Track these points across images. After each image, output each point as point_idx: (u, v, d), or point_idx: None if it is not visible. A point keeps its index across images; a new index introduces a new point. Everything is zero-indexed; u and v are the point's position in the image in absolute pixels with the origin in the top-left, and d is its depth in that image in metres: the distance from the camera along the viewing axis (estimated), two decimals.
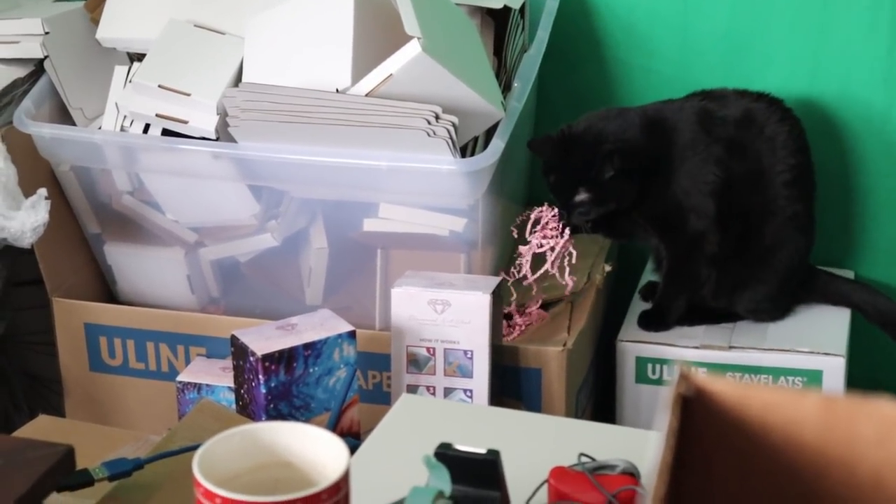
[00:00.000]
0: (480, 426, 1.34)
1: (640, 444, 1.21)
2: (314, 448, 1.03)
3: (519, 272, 1.76)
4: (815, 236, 1.80)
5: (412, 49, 1.60)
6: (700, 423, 0.65)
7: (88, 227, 1.85)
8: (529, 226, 1.76)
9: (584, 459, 1.18)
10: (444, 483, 1.04)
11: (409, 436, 1.32)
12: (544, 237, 1.75)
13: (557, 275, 1.74)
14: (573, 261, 1.74)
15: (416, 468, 1.08)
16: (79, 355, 1.81)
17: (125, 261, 1.85)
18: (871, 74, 1.84)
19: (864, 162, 1.89)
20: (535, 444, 1.26)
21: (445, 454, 1.07)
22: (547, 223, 1.76)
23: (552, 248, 1.74)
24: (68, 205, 1.83)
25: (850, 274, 1.91)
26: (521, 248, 1.76)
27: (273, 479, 1.04)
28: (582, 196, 1.70)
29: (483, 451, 1.08)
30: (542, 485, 1.17)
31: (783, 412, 0.66)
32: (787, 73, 1.88)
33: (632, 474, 1.16)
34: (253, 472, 1.05)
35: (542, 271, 1.74)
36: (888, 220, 1.90)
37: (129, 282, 1.86)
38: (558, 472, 1.16)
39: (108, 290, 1.89)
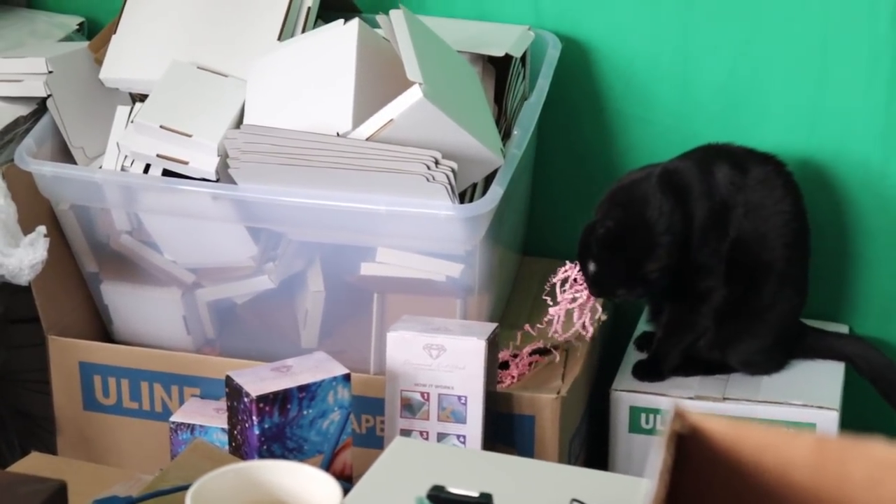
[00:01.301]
0: (473, 470, 1.34)
1: (632, 491, 1.21)
2: (307, 487, 1.03)
3: (549, 328, 1.75)
4: (808, 294, 1.82)
5: (413, 95, 1.61)
6: (694, 460, 0.65)
7: (86, 265, 1.85)
8: (558, 285, 1.75)
9: None
10: None
11: (401, 478, 1.32)
12: (575, 294, 1.75)
13: (584, 332, 1.74)
14: (598, 316, 1.74)
15: None
16: (73, 394, 1.81)
17: (122, 300, 1.85)
18: (869, 130, 1.85)
19: (861, 217, 1.89)
20: (528, 489, 1.26)
21: (438, 496, 1.07)
22: (575, 279, 1.75)
23: (580, 305, 1.74)
24: (66, 243, 1.83)
25: (844, 328, 1.91)
26: (552, 310, 1.74)
27: None
28: (623, 291, 1.72)
29: (475, 494, 1.08)
30: None
31: (776, 452, 0.66)
32: (784, 126, 1.89)
33: None
34: None
35: (573, 331, 1.74)
36: (883, 275, 1.91)
37: (125, 321, 1.87)
38: None
39: (104, 330, 1.89)
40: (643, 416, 1.77)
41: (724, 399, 1.75)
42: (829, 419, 1.71)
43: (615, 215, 1.71)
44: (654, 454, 0.65)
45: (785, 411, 1.73)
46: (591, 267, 1.71)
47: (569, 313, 1.75)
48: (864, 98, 1.84)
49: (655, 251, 1.69)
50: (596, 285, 1.71)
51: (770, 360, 1.81)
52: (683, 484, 0.64)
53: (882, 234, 1.89)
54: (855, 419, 1.77)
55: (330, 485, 1.01)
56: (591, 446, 1.86)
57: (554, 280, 1.75)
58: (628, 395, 1.77)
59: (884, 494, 0.66)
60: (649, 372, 1.80)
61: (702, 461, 0.65)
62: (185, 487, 1.36)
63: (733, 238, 1.74)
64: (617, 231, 1.70)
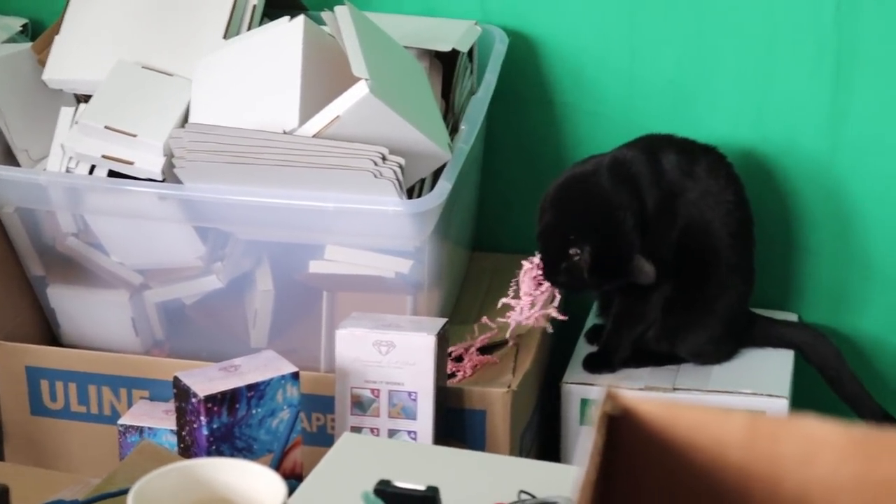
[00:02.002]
0: (422, 464, 1.34)
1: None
2: (252, 484, 1.02)
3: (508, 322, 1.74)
4: (755, 283, 1.82)
5: (359, 90, 1.60)
6: (626, 443, 0.65)
7: (32, 269, 1.83)
8: (523, 278, 1.74)
9: (523, 496, 1.18)
10: None
11: (349, 474, 1.31)
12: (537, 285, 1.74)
13: (546, 321, 1.74)
14: (555, 303, 1.73)
15: None
16: (20, 399, 1.79)
17: (69, 303, 1.84)
18: (815, 120, 1.86)
19: (808, 207, 1.90)
20: (476, 482, 1.26)
21: (384, 491, 1.07)
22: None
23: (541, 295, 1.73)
24: (12, 247, 1.82)
25: (794, 317, 1.92)
26: (513, 302, 1.73)
27: None
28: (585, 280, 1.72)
29: (422, 487, 1.08)
30: None
31: (709, 431, 0.66)
32: (732, 118, 1.89)
33: None
34: None
35: (532, 317, 1.73)
36: (830, 264, 1.92)
37: (72, 324, 1.85)
38: None
39: (51, 333, 1.88)
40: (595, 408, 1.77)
41: (675, 389, 1.75)
42: (778, 407, 1.72)
43: (572, 210, 1.72)
44: (586, 437, 0.64)
45: (735, 400, 1.73)
46: (550, 257, 1.71)
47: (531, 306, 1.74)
48: (810, 89, 1.85)
49: (618, 239, 1.69)
50: (552, 275, 1.72)
51: (719, 350, 1.81)
52: (615, 466, 0.64)
53: (829, 223, 1.90)
54: (805, 406, 1.78)
55: (275, 482, 1.00)
56: (544, 439, 1.86)
57: (521, 275, 1.74)
58: (579, 387, 1.77)
59: (816, 471, 0.66)
60: (600, 364, 1.80)
61: (634, 443, 0.65)
62: (127, 491, 1.35)
63: (681, 226, 1.74)
64: (579, 228, 1.71)
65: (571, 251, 1.69)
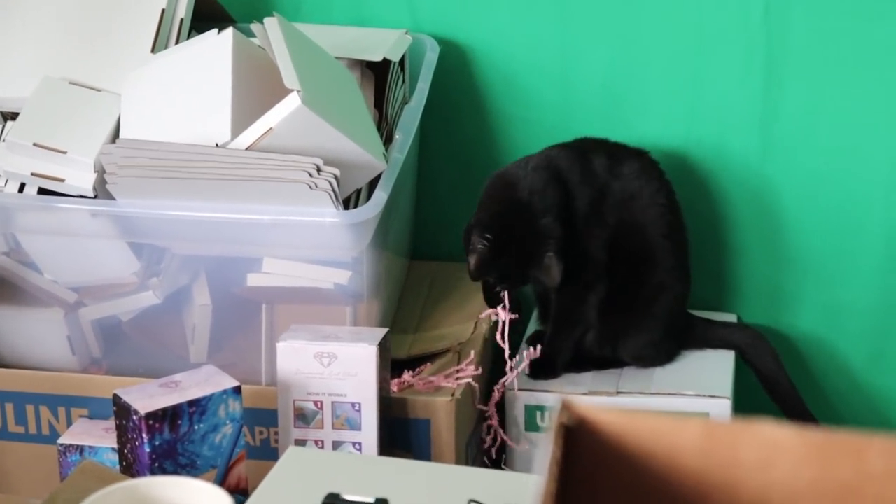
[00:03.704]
0: (369, 476, 1.33)
1: (529, 489, 1.20)
2: (198, 501, 1.01)
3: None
4: (691, 284, 1.84)
5: (292, 102, 1.59)
6: (583, 453, 0.64)
7: None
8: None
9: None
10: None
11: (297, 488, 1.30)
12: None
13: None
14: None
15: None
16: None
17: (2, 323, 1.80)
18: (746, 121, 1.87)
19: (741, 207, 1.91)
20: (425, 492, 1.25)
21: None
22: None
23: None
24: None
25: (733, 317, 1.93)
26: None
27: None
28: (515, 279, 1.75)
29: (371, 500, 1.07)
30: None
31: (666, 439, 0.66)
32: (664, 120, 1.90)
33: None
34: None
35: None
36: (765, 263, 1.93)
37: (6, 344, 1.82)
38: None
39: None
40: (538, 413, 1.77)
41: (618, 393, 1.75)
42: (721, 407, 1.72)
43: (498, 209, 1.73)
44: (542, 448, 0.64)
45: (678, 402, 1.74)
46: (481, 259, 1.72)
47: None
48: (741, 90, 1.86)
49: (544, 236, 1.70)
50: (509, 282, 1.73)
51: (660, 353, 1.82)
52: (573, 476, 0.63)
53: (761, 223, 1.91)
54: (746, 407, 1.79)
55: (221, 498, 0.99)
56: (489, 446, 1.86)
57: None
58: (523, 393, 1.77)
59: (774, 476, 0.66)
60: (543, 369, 1.80)
61: (591, 453, 0.64)
62: None
63: (613, 227, 1.76)
64: (503, 224, 1.71)
65: (474, 239, 1.70)
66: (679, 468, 0.66)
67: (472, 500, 1.17)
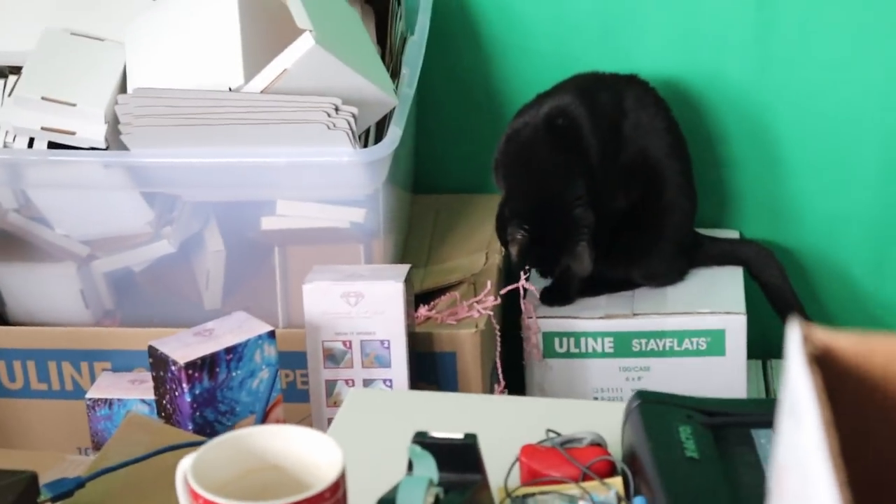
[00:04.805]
0: (439, 412, 1.34)
1: (599, 416, 1.23)
2: (305, 449, 1.02)
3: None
4: (698, 201, 1.86)
5: (305, 42, 1.58)
6: (834, 381, 0.63)
7: None
8: None
9: (551, 435, 1.19)
10: (431, 471, 1.04)
11: (369, 429, 1.30)
12: None
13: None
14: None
15: (380, 461, 1.07)
16: None
17: (14, 280, 1.79)
18: (741, 36, 1.88)
19: (739, 123, 1.93)
20: (499, 425, 1.27)
21: (423, 442, 1.07)
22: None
23: None
24: None
25: (735, 234, 1.96)
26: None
27: (261, 484, 1.03)
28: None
29: (460, 435, 1.08)
30: (514, 463, 1.17)
31: None
32: (659, 42, 1.91)
33: (599, 445, 1.18)
34: (241, 479, 1.03)
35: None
36: (764, 178, 1.95)
37: (19, 302, 1.80)
38: (529, 450, 1.17)
39: None
40: (556, 340, 1.79)
41: (634, 315, 1.78)
42: (737, 323, 1.75)
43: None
44: (798, 392, 0.62)
45: (694, 321, 1.77)
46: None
47: None
48: (735, 7, 1.88)
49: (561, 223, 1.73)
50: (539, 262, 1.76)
51: (672, 271, 1.85)
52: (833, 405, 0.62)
53: (760, 138, 1.93)
54: (759, 321, 1.82)
55: (332, 448, 1.00)
56: (506, 374, 1.88)
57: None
58: (540, 321, 1.79)
59: None
60: (557, 296, 1.82)
61: (837, 383, 0.63)
62: (133, 462, 1.34)
63: (622, 157, 1.78)
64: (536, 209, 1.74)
65: (511, 230, 1.73)
66: None
67: (549, 430, 1.19)
